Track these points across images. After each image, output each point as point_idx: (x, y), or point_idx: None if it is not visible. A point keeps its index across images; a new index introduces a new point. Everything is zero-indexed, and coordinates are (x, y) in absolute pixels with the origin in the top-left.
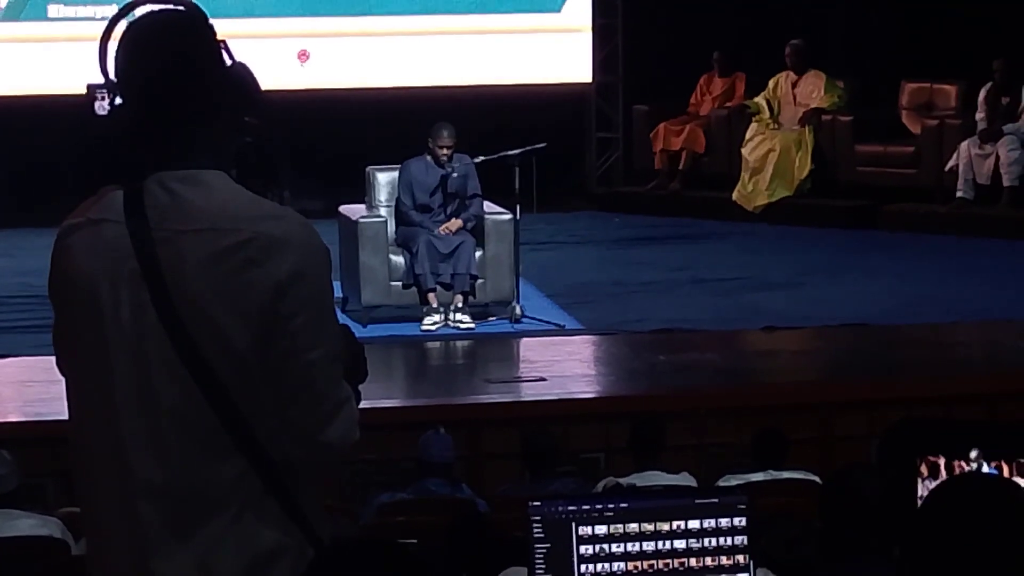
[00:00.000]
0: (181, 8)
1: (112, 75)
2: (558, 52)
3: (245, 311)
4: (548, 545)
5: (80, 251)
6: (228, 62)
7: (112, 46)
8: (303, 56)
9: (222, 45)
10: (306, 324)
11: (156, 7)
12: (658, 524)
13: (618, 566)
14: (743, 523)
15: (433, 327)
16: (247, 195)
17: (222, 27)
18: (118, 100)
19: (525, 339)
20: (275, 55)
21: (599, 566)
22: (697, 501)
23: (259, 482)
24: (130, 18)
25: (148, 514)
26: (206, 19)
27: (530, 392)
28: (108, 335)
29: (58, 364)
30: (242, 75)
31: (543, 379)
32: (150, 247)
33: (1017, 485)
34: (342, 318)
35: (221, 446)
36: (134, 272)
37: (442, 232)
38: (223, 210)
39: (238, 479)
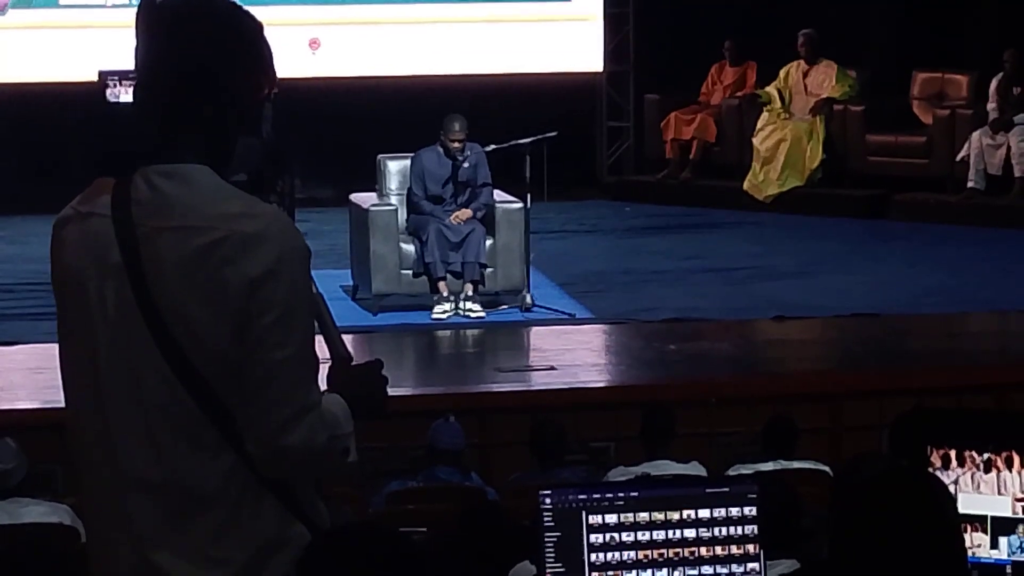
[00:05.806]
0: None
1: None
2: (569, 41)
3: (220, 309)
4: (558, 534)
5: (70, 244)
6: (252, 59)
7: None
8: (314, 44)
9: (252, 38)
10: (275, 323)
11: None
12: (668, 513)
13: (628, 555)
14: (753, 512)
15: (443, 315)
16: (228, 191)
17: None
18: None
19: (535, 328)
20: (286, 43)
21: (609, 555)
22: (708, 490)
23: (253, 474)
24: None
25: (140, 507)
26: (236, 9)
27: (540, 381)
28: (95, 328)
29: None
30: (257, 79)
31: (553, 368)
32: (132, 242)
33: (939, 481)
34: (353, 317)
35: (209, 440)
36: (118, 266)
37: (453, 221)
38: (201, 207)
39: (230, 472)
